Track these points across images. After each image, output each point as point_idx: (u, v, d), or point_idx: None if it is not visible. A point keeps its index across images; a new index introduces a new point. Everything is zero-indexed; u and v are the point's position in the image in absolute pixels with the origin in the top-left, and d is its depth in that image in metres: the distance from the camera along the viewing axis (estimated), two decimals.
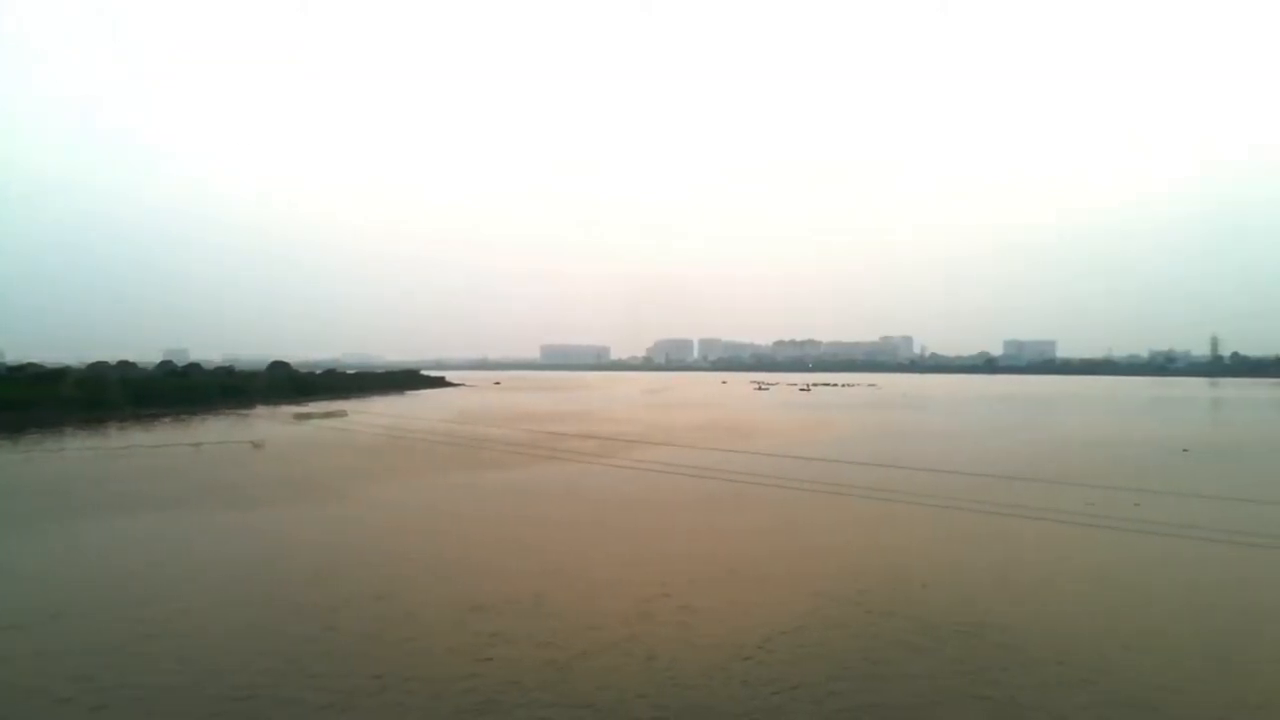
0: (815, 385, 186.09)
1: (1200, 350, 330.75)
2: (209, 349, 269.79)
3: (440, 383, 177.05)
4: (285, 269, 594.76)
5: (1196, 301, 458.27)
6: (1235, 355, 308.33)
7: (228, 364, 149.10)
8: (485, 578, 19.13)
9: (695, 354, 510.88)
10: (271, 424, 70.68)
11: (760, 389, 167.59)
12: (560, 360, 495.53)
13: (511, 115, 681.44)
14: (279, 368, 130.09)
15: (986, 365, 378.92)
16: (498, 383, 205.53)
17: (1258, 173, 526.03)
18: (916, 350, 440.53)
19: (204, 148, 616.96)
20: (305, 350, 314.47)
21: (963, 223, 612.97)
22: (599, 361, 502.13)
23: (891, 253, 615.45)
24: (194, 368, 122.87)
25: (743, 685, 12.56)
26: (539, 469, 39.41)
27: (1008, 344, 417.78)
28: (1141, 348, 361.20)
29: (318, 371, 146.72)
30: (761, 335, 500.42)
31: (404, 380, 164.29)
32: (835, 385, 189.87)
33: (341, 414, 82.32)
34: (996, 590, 18.10)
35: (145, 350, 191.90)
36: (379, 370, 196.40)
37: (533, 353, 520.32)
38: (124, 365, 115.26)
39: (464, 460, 43.18)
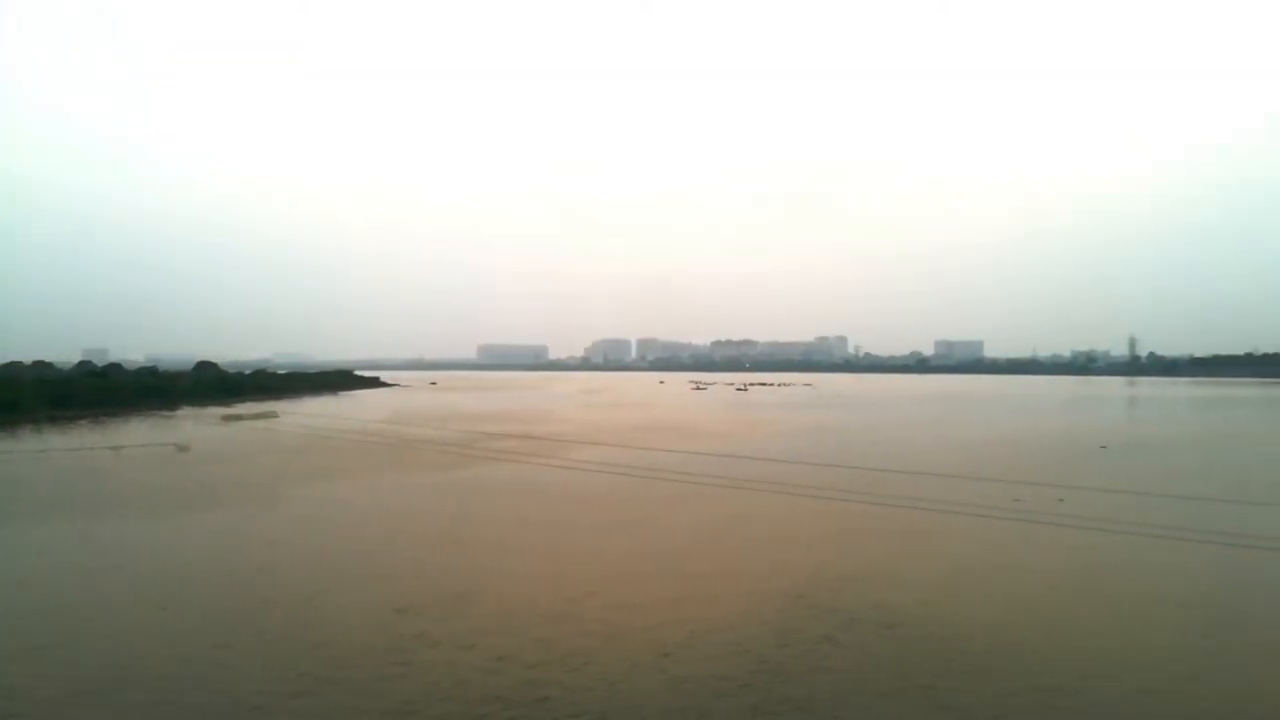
0: (752, 385, 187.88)
1: (1119, 350, 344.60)
2: (131, 349, 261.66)
3: (375, 383, 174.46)
4: (211, 266, 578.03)
5: (1116, 304, 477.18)
6: (1152, 355, 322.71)
7: (150, 364, 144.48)
8: (412, 579, 18.93)
9: (633, 354, 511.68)
10: (198, 425, 68.67)
11: (698, 389, 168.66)
12: (498, 360, 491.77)
13: (480, 111, 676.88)
14: (206, 368, 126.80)
15: (919, 365, 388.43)
16: (434, 383, 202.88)
17: (1175, 181, 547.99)
18: (851, 350, 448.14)
19: (144, 141, 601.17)
20: (234, 350, 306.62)
21: (895, 225, 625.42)
22: (537, 361, 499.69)
23: (827, 253, 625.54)
24: (114, 368, 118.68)
25: (665, 683, 12.68)
26: (473, 470, 39.07)
27: (939, 344, 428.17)
28: (1064, 348, 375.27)
29: (247, 372, 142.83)
30: (699, 335, 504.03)
31: (337, 381, 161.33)
32: (772, 385, 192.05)
33: (272, 415, 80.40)
34: (925, 585, 18.48)
35: (63, 350, 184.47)
36: (312, 371, 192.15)
37: (470, 353, 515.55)
38: (39, 366, 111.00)
39: (397, 461, 42.61)
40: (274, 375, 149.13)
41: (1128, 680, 12.75)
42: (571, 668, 13.23)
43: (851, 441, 54.09)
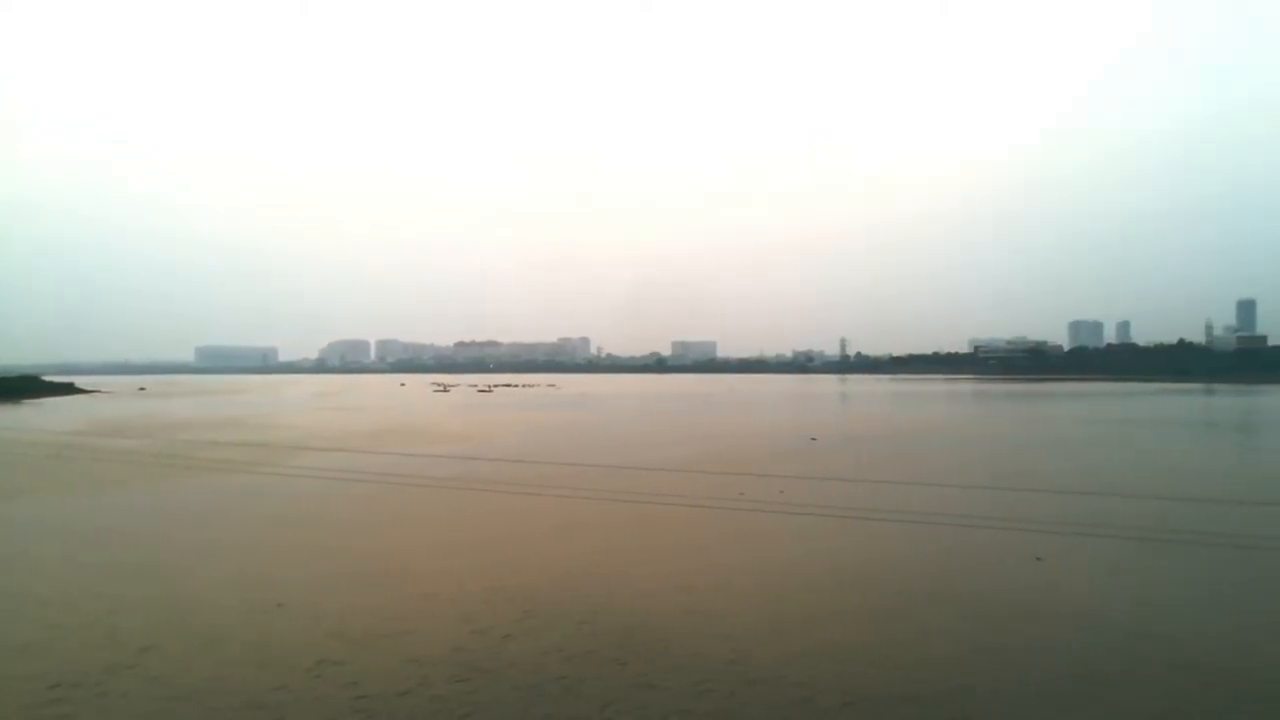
0: (496, 386, 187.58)
1: (833, 350, 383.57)
2: None
3: (69, 389, 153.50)
4: None
5: (831, 310, 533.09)
6: (859, 355, 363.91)
7: None
8: (52, 611, 16.43)
9: (372, 355, 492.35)
10: None
11: (440, 390, 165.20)
12: (219, 363, 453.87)
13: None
14: None
15: (657, 365, 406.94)
16: (142, 388, 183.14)
17: (880, 207, 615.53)
18: (594, 351, 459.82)
19: None
20: None
21: (637, 228, 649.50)
22: (266, 364, 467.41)
23: (572, 252, 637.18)
24: None
25: (322, 689, 12.17)
26: (172, 483, 35.01)
27: (675, 345, 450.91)
28: (787, 348, 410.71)
29: None
30: (442, 336, 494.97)
31: (18, 386, 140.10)
32: (516, 386, 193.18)
33: None
34: (643, 579, 18.85)
35: None
36: None
37: (186, 355, 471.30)
38: None
39: (83, 479, 37.26)
40: None
41: (829, 654, 13.81)
42: (217, 689, 12.26)
43: (589, 440, 55.24)
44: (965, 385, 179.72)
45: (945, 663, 13.13)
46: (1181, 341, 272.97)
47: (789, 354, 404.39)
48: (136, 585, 18.50)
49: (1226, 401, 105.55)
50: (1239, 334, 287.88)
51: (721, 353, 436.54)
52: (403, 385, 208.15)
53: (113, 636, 14.69)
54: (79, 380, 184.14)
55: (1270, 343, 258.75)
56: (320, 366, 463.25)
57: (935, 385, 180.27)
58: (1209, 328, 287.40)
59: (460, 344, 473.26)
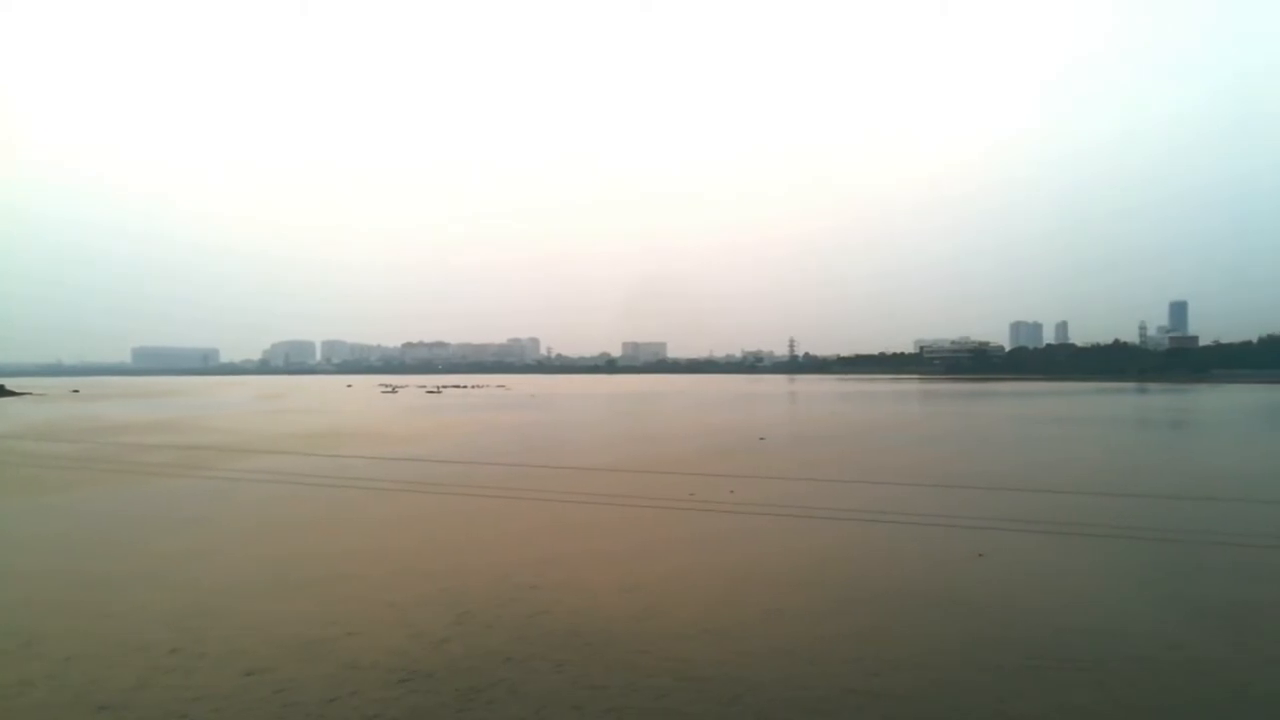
0: (445, 387, 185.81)
1: (782, 351, 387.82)
2: None
3: None
4: None
5: (779, 311, 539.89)
6: (807, 355, 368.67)
7: None
8: None
9: (318, 356, 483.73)
10: None
11: (389, 391, 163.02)
12: (158, 364, 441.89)
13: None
14: None
15: (608, 365, 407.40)
16: (76, 390, 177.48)
17: (841, 202, 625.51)
18: (544, 352, 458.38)
19: None
20: None
21: (585, 231, 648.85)
22: (206, 365, 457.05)
23: (527, 253, 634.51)
24: None
25: (250, 697, 11.76)
26: (102, 487, 33.62)
27: (626, 345, 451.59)
28: (737, 349, 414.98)
29: None
30: (389, 338, 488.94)
31: None
32: (465, 387, 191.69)
33: None
34: (593, 581, 18.69)
35: None
36: None
37: (122, 356, 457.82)
38: None
39: (9, 482, 35.97)
40: None
41: (768, 650, 13.79)
42: (139, 699, 11.81)
43: (536, 440, 54.91)
44: (911, 385, 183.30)
45: (890, 660, 13.17)
46: (1117, 342, 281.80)
47: (738, 354, 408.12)
48: (58, 592, 17.84)
49: (1158, 400, 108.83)
50: (1171, 334, 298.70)
51: (671, 353, 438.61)
52: (349, 386, 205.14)
53: (31, 646, 14.10)
54: (8, 382, 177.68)
55: (1201, 343, 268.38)
56: (263, 368, 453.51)
57: (882, 385, 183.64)
58: (1143, 328, 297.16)
59: (408, 345, 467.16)
